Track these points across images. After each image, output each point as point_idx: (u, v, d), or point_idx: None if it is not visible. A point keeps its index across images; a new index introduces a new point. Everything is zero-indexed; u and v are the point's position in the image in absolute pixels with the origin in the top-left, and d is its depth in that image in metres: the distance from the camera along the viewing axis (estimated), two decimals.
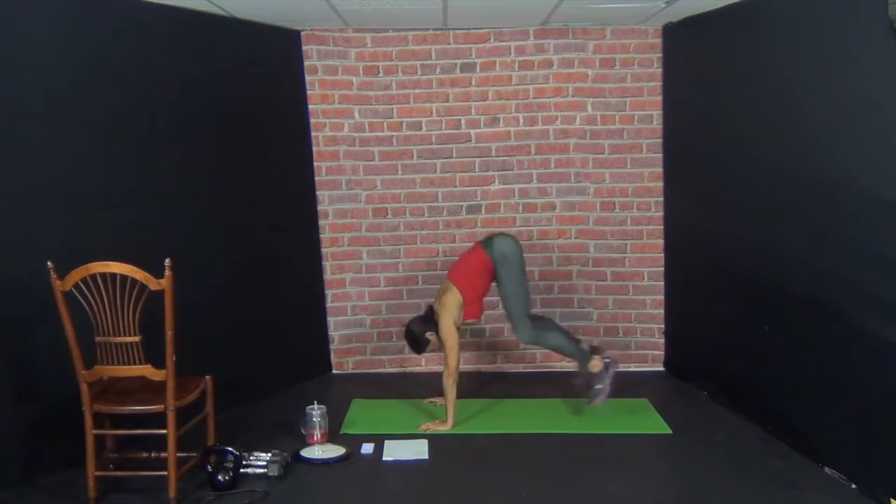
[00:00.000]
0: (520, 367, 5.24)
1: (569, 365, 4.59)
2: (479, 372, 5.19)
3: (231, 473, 3.42)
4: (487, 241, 4.21)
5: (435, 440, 3.98)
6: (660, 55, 4.95)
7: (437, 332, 4.18)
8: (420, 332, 4.23)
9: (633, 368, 5.18)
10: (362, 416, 4.40)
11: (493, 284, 4.23)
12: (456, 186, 5.12)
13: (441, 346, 4.19)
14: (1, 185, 3.42)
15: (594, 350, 4.35)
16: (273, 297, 4.75)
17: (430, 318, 4.23)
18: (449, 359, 4.09)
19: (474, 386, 4.83)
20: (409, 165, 5.09)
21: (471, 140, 5.07)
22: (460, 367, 4.14)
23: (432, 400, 4.56)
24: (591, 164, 5.08)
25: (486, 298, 4.30)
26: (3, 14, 3.37)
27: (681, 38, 4.76)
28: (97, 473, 3.27)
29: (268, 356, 4.72)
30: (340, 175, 5.08)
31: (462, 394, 4.23)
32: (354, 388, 4.89)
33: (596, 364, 4.23)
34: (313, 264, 5.10)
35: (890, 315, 3.10)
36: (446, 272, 5.17)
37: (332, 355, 5.24)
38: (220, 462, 3.48)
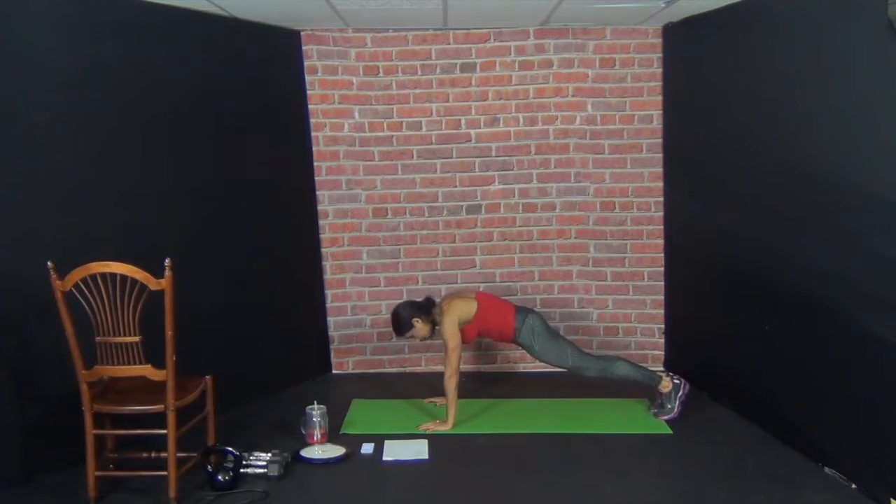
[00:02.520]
0: (520, 367, 5.24)
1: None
2: (479, 372, 5.19)
3: (231, 473, 3.42)
4: (520, 312, 4.27)
5: (435, 440, 3.98)
6: (660, 55, 4.95)
7: (422, 320, 4.16)
8: (407, 316, 4.19)
9: None
10: (362, 416, 4.40)
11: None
12: (456, 186, 5.12)
13: (425, 338, 4.25)
14: (1, 185, 3.42)
15: (662, 374, 4.37)
16: (273, 297, 4.75)
17: (424, 308, 4.22)
18: (450, 359, 4.09)
19: (474, 386, 4.83)
20: (409, 165, 5.09)
21: (471, 140, 5.07)
22: (461, 367, 4.14)
23: (432, 400, 4.56)
24: (591, 164, 5.08)
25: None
26: (4, 14, 3.37)
27: (681, 38, 4.76)
28: (97, 473, 3.28)
29: (268, 356, 4.72)
30: (340, 175, 5.07)
31: (462, 394, 4.23)
32: (354, 388, 4.89)
33: (666, 385, 4.24)
34: (313, 264, 5.10)
35: (890, 315, 3.10)
36: (446, 272, 5.19)
37: (332, 355, 5.24)
38: (220, 462, 3.48)
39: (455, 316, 4.13)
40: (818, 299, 3.54)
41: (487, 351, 5.26)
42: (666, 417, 4.23)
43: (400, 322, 4.21)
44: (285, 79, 4.85)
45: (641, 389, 4.42)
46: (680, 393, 4.24)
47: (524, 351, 4.38)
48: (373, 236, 5.15)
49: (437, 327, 4.21)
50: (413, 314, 4.19)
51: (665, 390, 4.25)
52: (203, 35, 4.26)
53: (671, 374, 4.36)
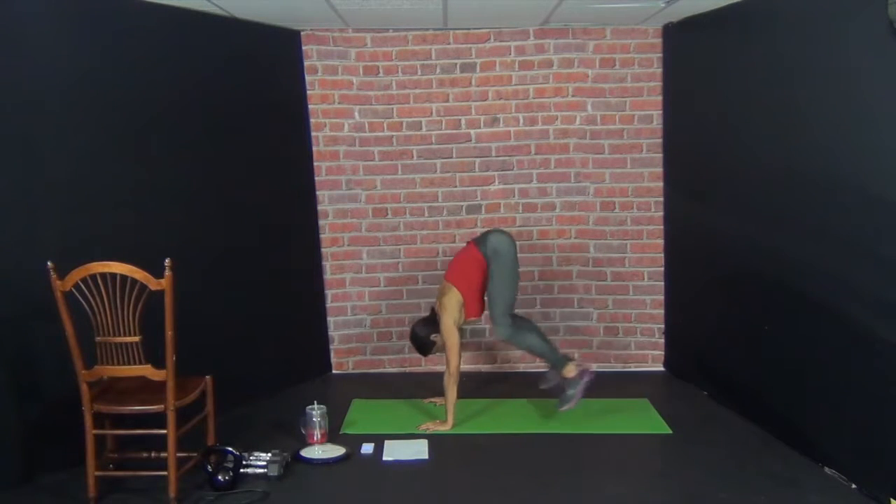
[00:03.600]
0: (520, 367, 5.24)
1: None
2: (479, 372, 5.19)
3: (231, 473, 3.42)
4: (482, 238, 4.19)
5: (435, 440, 3.98)
6: (660, 55, 4.95)
7: (438, 333, 4.18)
8: (425, 335, 4.23)
9: (633, 368, 5.19)
10: (362, 416, 4.40)
11: None
12: (456, 186, 5.12)
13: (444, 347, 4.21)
14: (1, 185, 3.42)
15: (570, 358, 4.27)
16: (273, 297, 4.76)
17: (433, 320, 4.24)
18: (450, 358, 4.09)
19: (474, 386, 4.83)
20: (409, 165, 5.09)
21: (471, 140, 5.07)
22: (461, 367, 4.14)
23: (432, 400, 4.56)
24: (591, 164, 5.08)
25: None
26: (4, 14, 3.37)
27: (681, 38, 4.76)
28: (97, 473, 3.28)
29: (268, 356, 4.72)
30: (340, 175, 5.08)
31: (462, 394, 4.23)
32: (354, 388, 4.89)
33: (570, 370, 4.13)
34: (313, 264, 5.10)
35: (890, 315, 3.10)
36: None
37: (332, 355, 5.24)
38: (220, 462, 3.48)
39: (450, 313, 4.13)
40: (818, 299, 3.54)
41: (487, 351, 5.26)
42: (566, 406, 4.09)
43: (422, 344, 4.26)
44: (285, 79, 4.85)
45: (641, 389, 4.43)
46: (585, 378, 4.10)
47: (524, 351, 4.35)
48: (373, 236, 5.15)
49: None
50: (429, 331, 4.22)
51: (569, 376, 4.13)
52: (203, 35, 4.26)
53: (582, 365, 4.23)
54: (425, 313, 4.51)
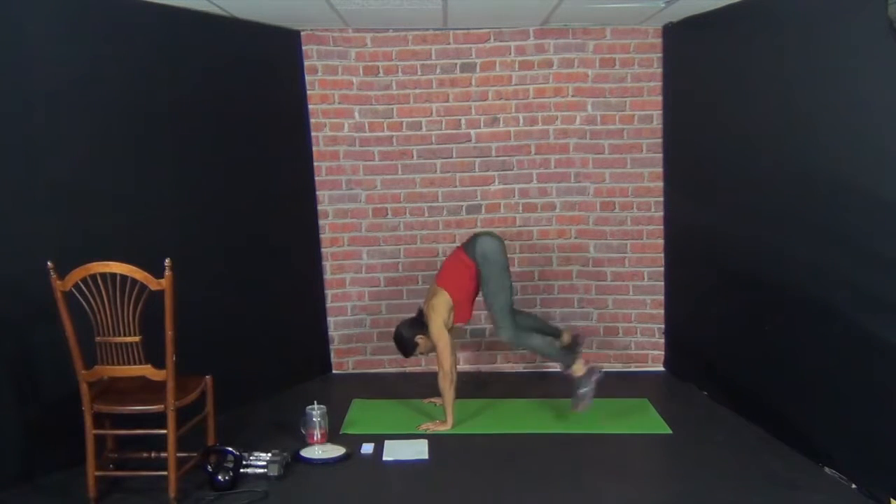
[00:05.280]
0: (519, 367, 5.24)
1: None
2: (479, 372, 5.19)
3: (231, 473, 3.42)
4: (469, 243, 4.18)
5: (435, 440, 3.98)
6: (660, 55, 4.95)
7: (423, 335, 4.18)
8: (409, 336, 4.22)
9: (633, 368, 5.19)
10: (362, 416, 4.40)
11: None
12: (456, 186, 5.12)
13: (432, 349, 4.21)
14: (1, 185, 3.42)
15: (576, 342, 4.24)
16: (273, 297, 4.76)
17: (419, 321, 4.23)
18: (441, 360, 4.08)
19: (474, 386, 4.83)
20: (409, 165, 5.09)
21: (471, 140, 5.07)
22: (457, 366, 4.13)
23: (432, 400, 4.56)
24: (591, 164, 5.08)
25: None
26: (4, 14, 3.37)
27: (681, 38, 4.76)
28: (97, 473, 3.28)
29: (268, 356, 4.72)
30: (340, 175, 5.08)
31: (461, 394, 4.23)
32: (354, 388, 4.89)
33: (579, 368, 4.13)
34: (313, 264, 5.10)
35: (890, 315, 3.10)
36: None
37: (332, 355, 5.24)
38: (220, 462, 3.48)
39: (439, 315, 4.12)
40: (818, 299, 3.54)
41: (487, 351, 5.26)
42: (580, 406, 4.10)
43: (405, 344, 4.25)
44: (285, 79, 4.85)
45: (641, 389, 4.42)
46: (595, 376, 4.10)
47: (524, 350, 4.35)
48: (373, 236, 5.15)
49: None
50: (414, 332, 4.21)
51: (578, 374, 4.13)
52: (203, 35, 4.26)
53: (590, 362, 4.24)
54: None
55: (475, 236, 4.23)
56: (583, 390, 4.08)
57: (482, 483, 3.53)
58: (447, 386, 4.09)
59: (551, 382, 4.86)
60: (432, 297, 4.20)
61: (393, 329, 5.14)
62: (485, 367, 5.25)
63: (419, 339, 4.22)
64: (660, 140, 5.03)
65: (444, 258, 4.93)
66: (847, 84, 3.31)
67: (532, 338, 4.17)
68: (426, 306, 4.22)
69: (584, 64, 4.99)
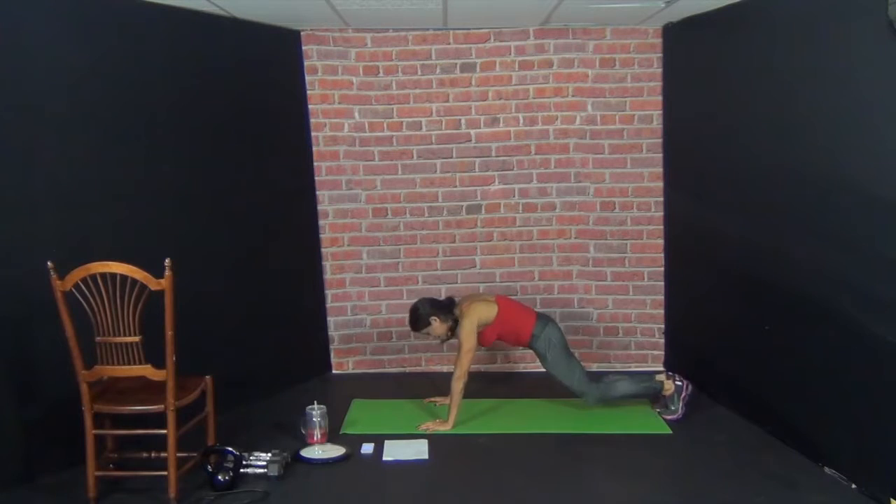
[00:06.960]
0: (520, 368, 5.24)
1: None
2: (480, 372, 5.18)
3: (231, 473, 3.42)
4: (542, 321, 4.25)
5: (435, 440, 3.98)
6: (660, 55, 4.95)
7: (440, 319, 4.16)
8: (425, 313, 4.19)
9: (633, 368, 5.18)
10: (362, 416, 4.40)
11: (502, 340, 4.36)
12: (456, 186, 5.12)
13: (441, 338, 4.24)
14: (1, 185, 3.41)
15: (660, 382, 4.36)
16: (273, 297, 4.76)
17: (445, 306, 4.23)
18: (462, 360, 4.08)
19: (475, 386, 4.79)
20: (409, 165, 5.09)
21: (471, 140, 5.07)
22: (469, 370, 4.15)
23: (432, 400, 4.56)
24: (591, 164, 5.08)
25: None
26: (4, 14, 3.37)
27: (681, 38, 4.76)
28: (97, 473, 3.28)
29: (268, 356, 4.72)
30: (340, 175, 5.08)
31: (463, 394, 4.23)
32: (354, 388, 4.89)
33: (668, 388, 4.27)
34: (313, 264, 5.10)
35: (890, 315, 3.10)
36: (446, 272, 5.18)
37: (332, 355, 5.24)
38: (220, 462, 3.48)
39: (475, 318, 4.13)
40: (818, 299, 3.54)
41: (488, 351, 5.26)
42: (670, 418, 4.23)
43: (418, 317, 4.21)
44: (285, 79, 4.85)
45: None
46: (683, 394, 4.25)
47: (525, 351, 4.37)
48: (373, 236, 5.15)
49: (455, 329, 4.19)
50: (432, 312, 4.19)
51: (668, 393, 4.26)
52: (203, 35, 4.26)
53: (673, 374, 4.35)
54: None
55: (549, 319, 4.33)
56: (673, 407, 4.26)
57: (482, 483, 3.53)
58: (460, 387, 4.09)
59: (551, 382, 4.85)
60: (480, 301, 4.21)
61: (393, 329, 5.19)
62: (486, 368, 5.25)
63: (434, 319, 4.18)
64: (660, 140, 5.03)
65: (451, 257, 5.00)
66: (847, 84, 3.31)
67: (617, 387, 4.32)
68: (466, 303, 4.22)
69: (584, 64, 4.99)
